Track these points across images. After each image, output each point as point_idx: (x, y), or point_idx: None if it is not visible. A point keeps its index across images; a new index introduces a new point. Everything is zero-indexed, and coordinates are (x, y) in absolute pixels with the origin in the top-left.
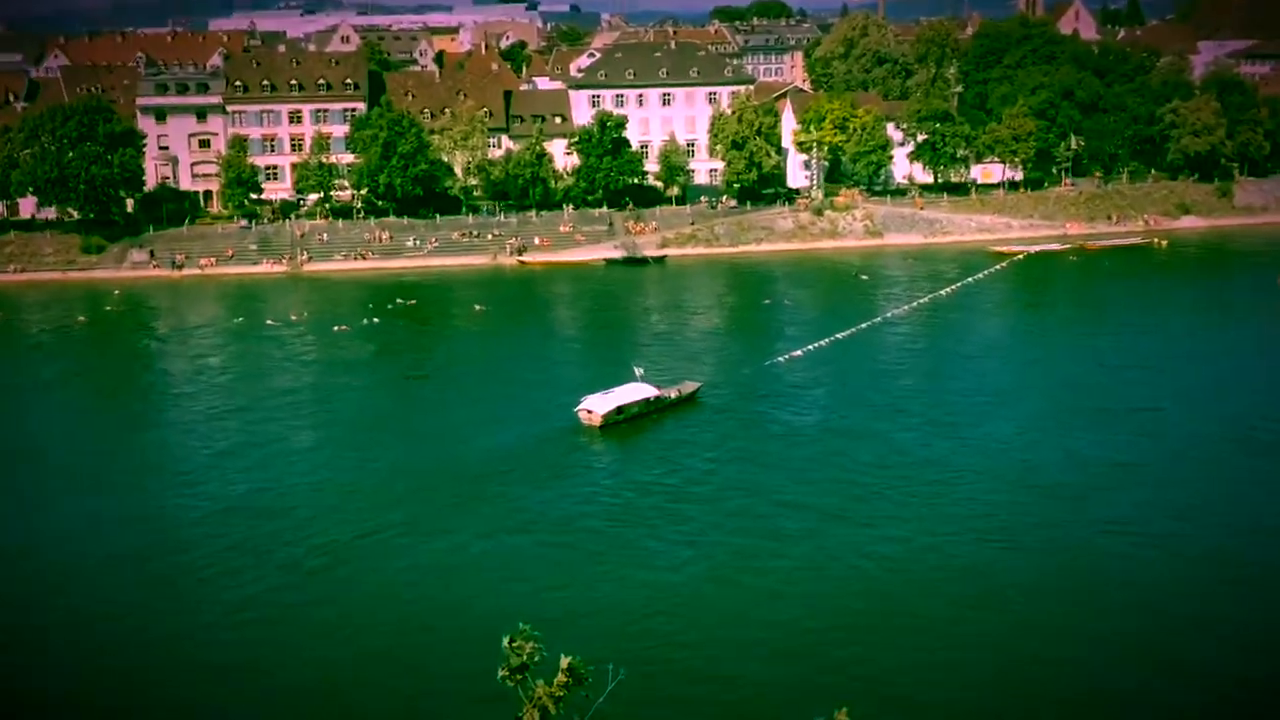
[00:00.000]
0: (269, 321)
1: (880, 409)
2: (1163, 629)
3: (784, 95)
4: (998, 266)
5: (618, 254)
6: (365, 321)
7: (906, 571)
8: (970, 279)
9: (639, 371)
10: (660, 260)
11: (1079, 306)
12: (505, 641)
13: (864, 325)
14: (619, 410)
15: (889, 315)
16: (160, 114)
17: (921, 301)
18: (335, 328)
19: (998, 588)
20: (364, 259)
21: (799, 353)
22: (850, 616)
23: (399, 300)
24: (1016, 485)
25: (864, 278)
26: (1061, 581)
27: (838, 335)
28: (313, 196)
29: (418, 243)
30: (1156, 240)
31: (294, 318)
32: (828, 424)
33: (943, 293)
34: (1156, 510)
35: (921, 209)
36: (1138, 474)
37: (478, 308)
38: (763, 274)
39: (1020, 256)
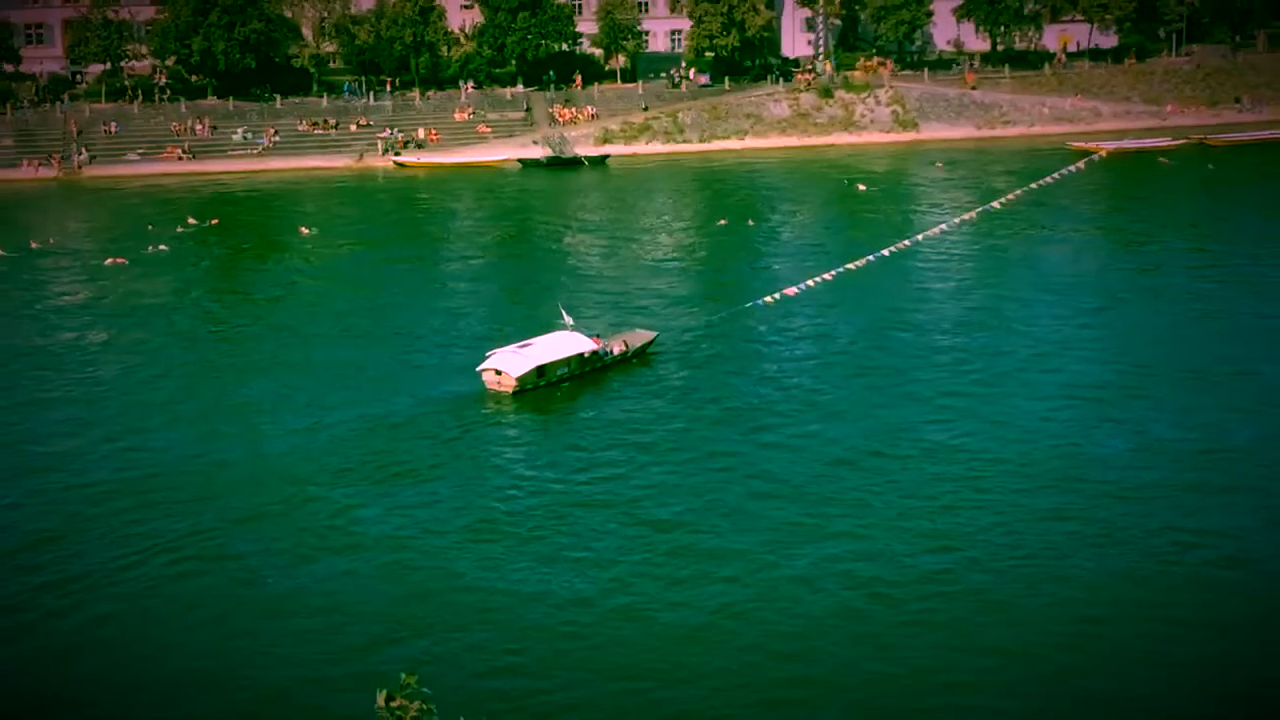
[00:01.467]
0: (0, 253)
1: (892, 375)
2: None
3: None
4: (1073, 168)
5: (539, 153)
6: (151, 249)
7: (907, 623)
8: (1034, 184)
9: (568, 318)
10: (600, 162)
11: (1187, 231)
12: (381, 698)
13: (879, 254)
14: (540, 371)
15: (915, 240)
16: None
17: (962, 220)
18: (109, 260)
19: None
20: (171, 159)
21: (792, 291)
22: (828, 688)
23: (192, 221)
24: (1064, 487)
25: (861, 188)
26: (1127, 635)
27: (844, 268)
28: (95, 69)
29: (249, 136)
30: None
31: (35, 245)
32: (818, 396)
33: (994, 205)
34: (1244, 518)
35: (973, 88)
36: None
37: (305, 230)
38: (745, 182)
39: (1105, 155)
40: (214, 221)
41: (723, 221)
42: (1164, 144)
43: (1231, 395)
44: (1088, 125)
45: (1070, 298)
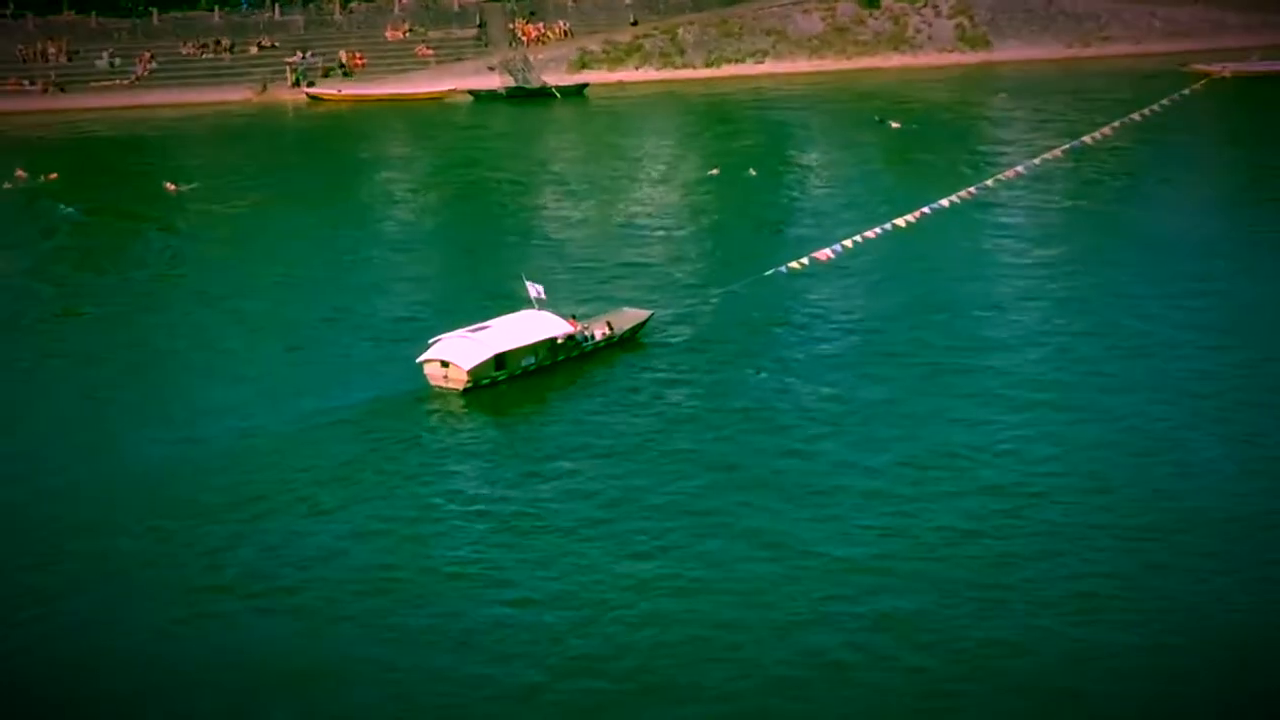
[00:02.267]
0: None
1: (939, 366)
2: None
3: None
4: (1185, 92)
5: (496, 82)
6: None
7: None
8: (1134, 115)
9: (536, 292)
10: (576, 93)
11: None
12: None
13: (935, 206)
14: (498, 361)
15: (972, 191)
16: None
17: (1035, 165)
18: None
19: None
20: (15, 93)
21: (824, 255)
22: None
23: (21, 175)
24: (1134, 522)
25: (894, 125)
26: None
27: (884, 226)
28: None
29: (116, 62)
30: None
31: None
32: (854, 393)
33: (1086, 140)
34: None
35: None
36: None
37: (172, 187)
38: (764, 117)
39: (1229, 77)
40: (51, 176)
41: (714, 171)
42: None
43: None
44: (1210, 41)
45: (1179, 268)
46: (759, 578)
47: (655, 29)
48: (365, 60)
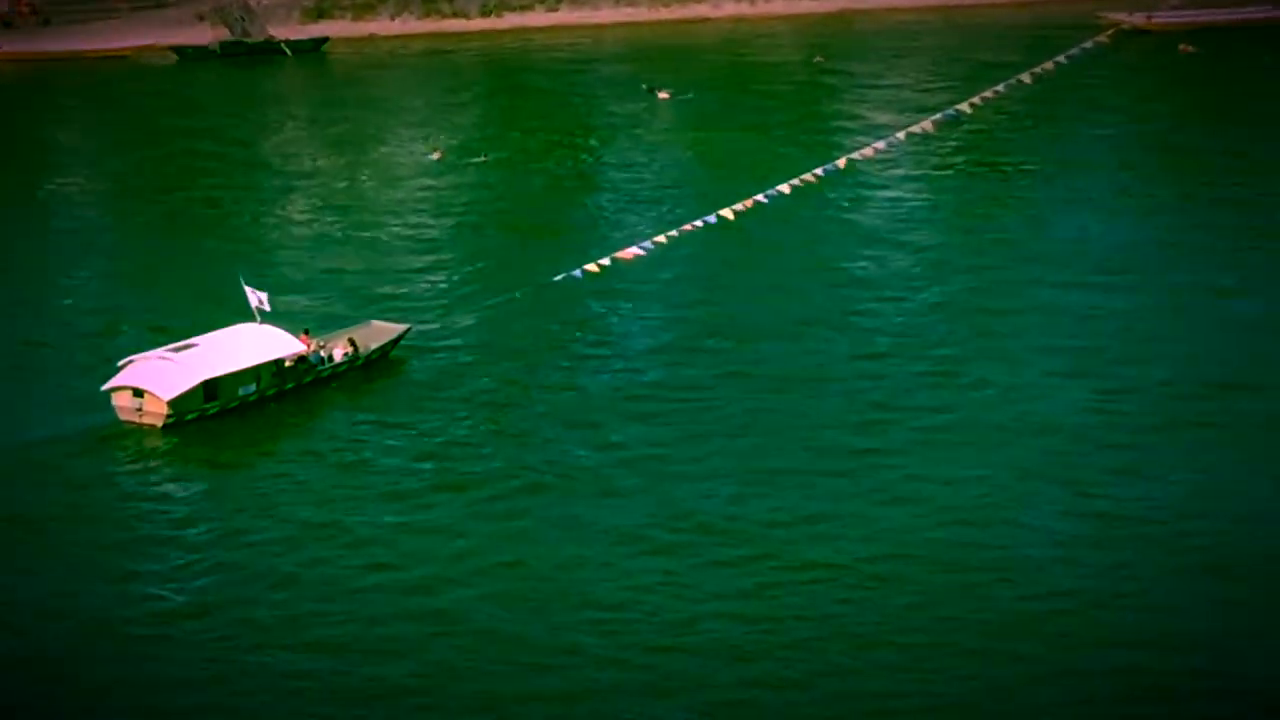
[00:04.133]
0: None
1: (788, 372)
2: None
3: None
4: (1087, 46)
5: (209, 37)
6: None
7: None
8: (1004, 85)
9: (258, 301)
10: (312, 49)
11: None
12: None
13: (791, 184)
14: (209, 389)
15: (841, 163)
16: None
17: (913, 135)
18: None
19: None
20: None
21: (634, 251)
22: None
23: None
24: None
25: (663, 95)
26: None
27: (709, 218)
28: None
29: None
30: None
31: None
32: (649, 430)
33: (972, 104)
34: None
35: None
36: None
37: None
38: (550, 84)
39: (1150, 26)
40: None
41: (484, 158)
42: (1248, 14)
43: None
44: None
45: (1059, 263)
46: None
47: None
48: (33, 6)
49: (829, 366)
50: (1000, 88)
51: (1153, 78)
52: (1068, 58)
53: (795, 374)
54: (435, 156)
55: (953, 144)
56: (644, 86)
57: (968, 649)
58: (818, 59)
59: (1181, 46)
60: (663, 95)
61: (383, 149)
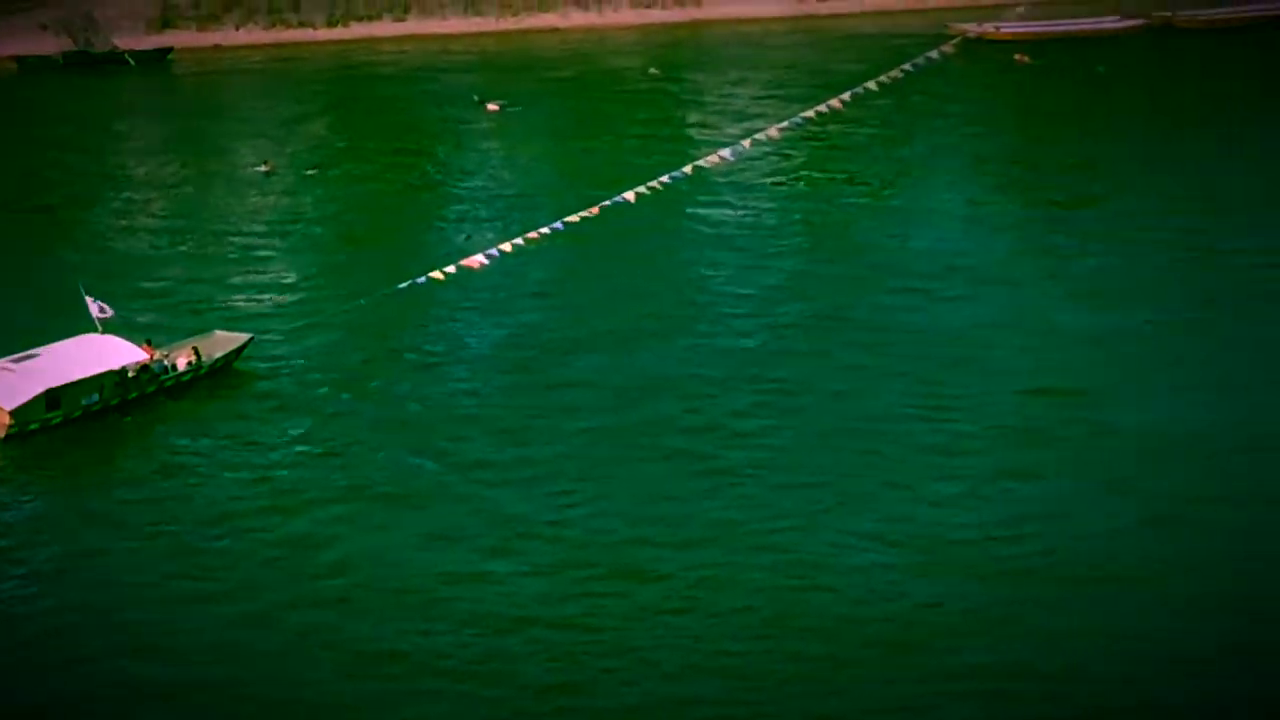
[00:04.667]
0: None
1: (628, 380)
2: None
3: None
4: (933, 55)
5: (52, 47)
6: None
7: None
8: (868, 85)
9: (99, 310)
10: (157, 60)
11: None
12: None
13: (636, 191)
14: (51, 399)
15: (689, 169)
16: None
17: (744, 149)
18: None
19: None
20: None
21: (479, 259)
22: None
23: None
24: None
25: (491, 108)
26: None
27: (567, 219)
28: None
29: None
30: None
31: None
32: (492, 437)
33: (818, 111)
34: None
35: None
36: None
37: None
38: (408, 88)
39: (998, 36)
40: None
41: (311, 170)
42: (1108, 25)
43: None
44: None
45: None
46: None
47: None
48: None
49: (671, 374)
50: (846, 96)
51: (992, 87)
52: (914, 66)
53: (634, 382)
54: (264, 169)
55: (798, 152)
56: (475, 98)
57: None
58: (653, 71)
59: (1017, 57)
60: (491, 107)
61: (224, 160)
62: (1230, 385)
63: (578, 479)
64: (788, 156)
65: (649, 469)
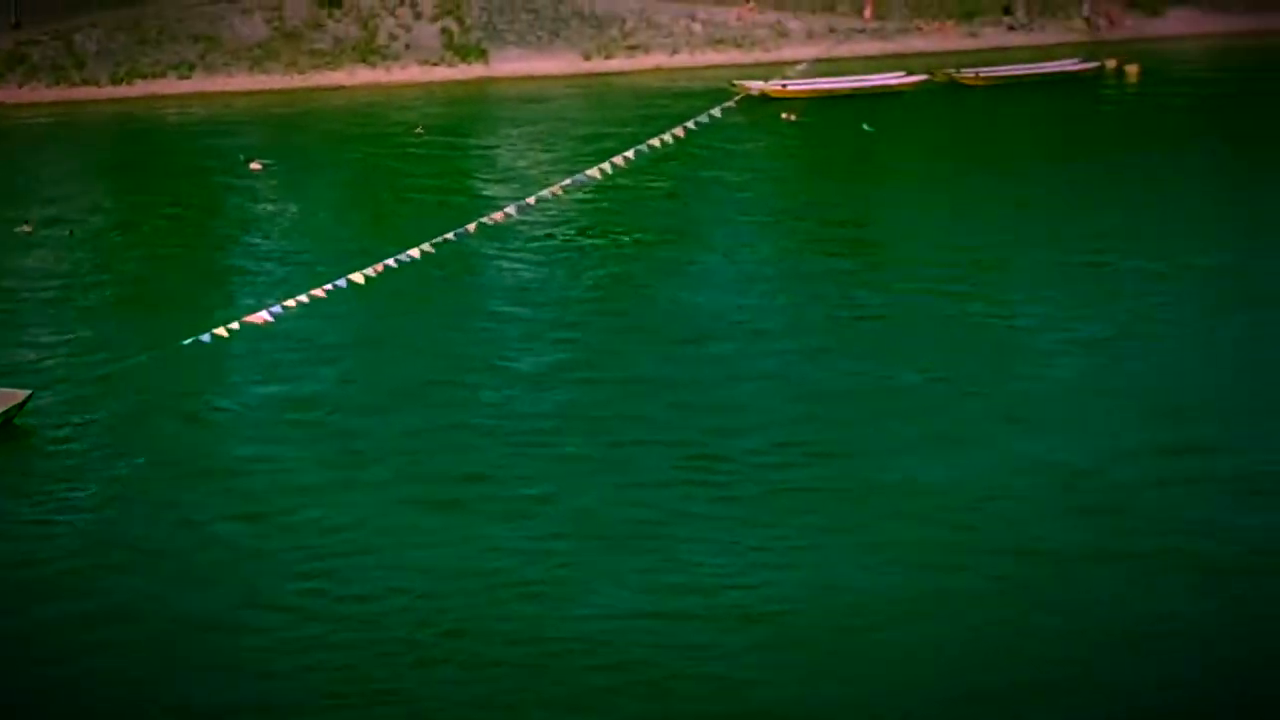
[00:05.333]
0: None
1: (386, 444)
2: None
3: None
4: (716, 113)
5: None
6: None
7: None
8: (651, 143)
9: None
10: None
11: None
12: None
13: (411, 253)
14: None
15: (472, 228)
16: None
17: (513, 213)
18: None
19: None
20: None
21: (264, 317)
22: None
23: None
24: None
25: (254, 166)
26: None
27: (350, 276)
28: None
29: None
30: (1107, 64)
31: None
32: (283, 490)
33: (590, 174)
34: None
35: None
36: None
37: None
38: (186, 145)
39: (787, 92)
40: None
41: (70, 231)
42: (884, 81)
43: None
44: (769, 52)
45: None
46: None
47: (45, 33)
48: None
49: (428, 436)
50: (630, 153)
51: (769, 144)
52: (696, 124)
53: (394, 445)
54: (26, 229)
55: (580, 209)
56: (241, 157)
57: None
58: (418, 130)
59: (784, 115)
60: (254, 166)
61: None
62: (976, 439)
63: (334, 542)
64: (571, 213)
65: (433, 519)
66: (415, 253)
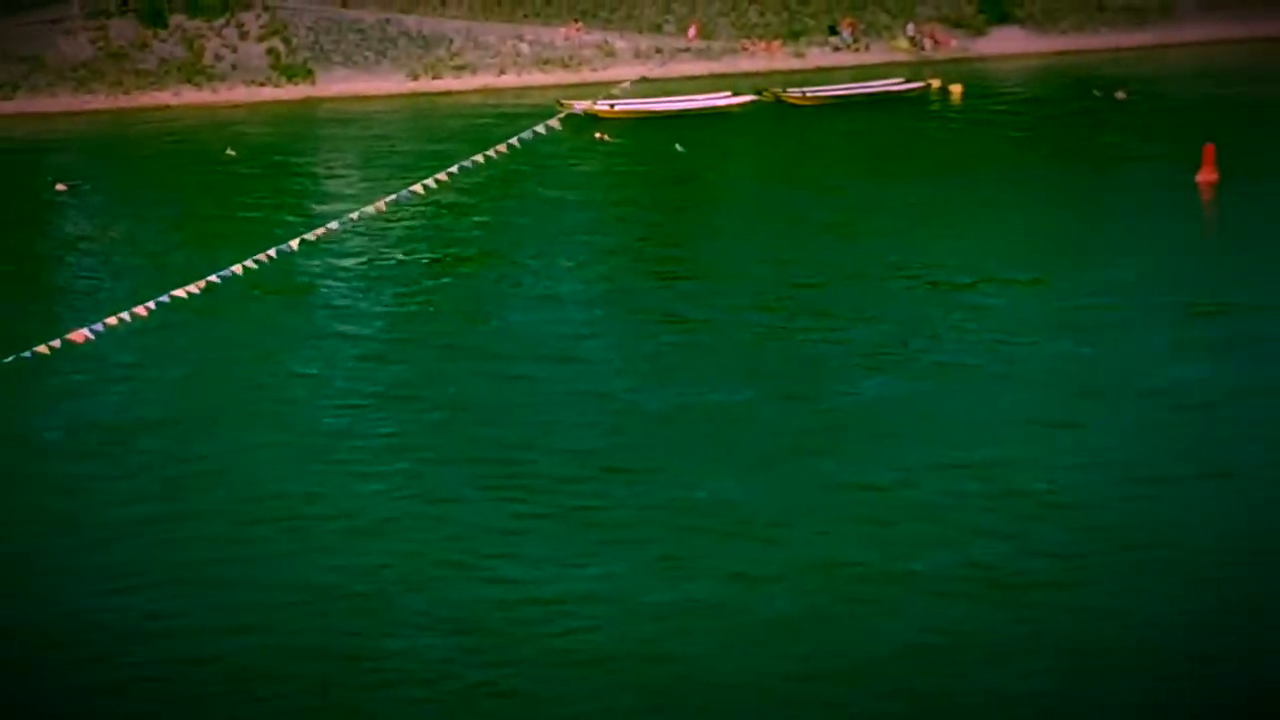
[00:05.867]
0: None
1: (192, 468)
2: None
3: None
4: (540, 130)
5: None
6: None
7: None
8: (475, 159)
9: None
10: None
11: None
12: None
13: (239, 269)
14: None
15: (295, 244)
16: None
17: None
18: None
19: None
20: None
21: (84, 334)
22: None
23: None
24: None
25: (231, 153)
26: None
27: (174, 293)
28: None
29: None
30: (932, 83)
31: None
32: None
33: (414, 190)
34: None
35: (403, 12)
36: None
37: None
38: (9, 162)
39: (614, 112)
40: None
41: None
42: (719, 102)
43: None
44: (596, 71)
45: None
46: None
47: None
48: None
49: (244, 456)
50: (454, 169)
51: (589, 164)
52: (519, 141)
53: (194, 471)
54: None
55: (401, 226)
56: (49, 179)
57: None
58: (230, 152)
59: (597, 135)
60: (60, 187)
61: None
62: (786, 458)
63: (167, 570)
64: (392, 231)
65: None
66: (238, 269)
